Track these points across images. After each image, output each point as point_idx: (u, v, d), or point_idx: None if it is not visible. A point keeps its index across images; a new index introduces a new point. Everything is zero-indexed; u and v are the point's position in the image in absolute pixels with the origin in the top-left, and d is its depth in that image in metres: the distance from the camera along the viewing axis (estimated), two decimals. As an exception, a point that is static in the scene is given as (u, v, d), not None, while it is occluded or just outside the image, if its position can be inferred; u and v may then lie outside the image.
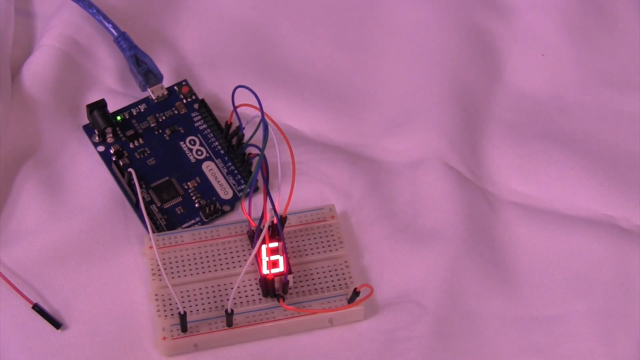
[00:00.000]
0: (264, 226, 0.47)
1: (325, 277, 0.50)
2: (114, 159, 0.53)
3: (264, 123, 0.48)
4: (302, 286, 0.49)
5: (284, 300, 0.48)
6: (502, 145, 0.57)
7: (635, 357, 0.49)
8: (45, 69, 0.55)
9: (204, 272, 0.50)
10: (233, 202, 0.53)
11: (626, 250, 0.53)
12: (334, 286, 0.50)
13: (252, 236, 0.50)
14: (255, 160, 0.50)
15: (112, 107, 0.55)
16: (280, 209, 0.48)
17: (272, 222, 0.48)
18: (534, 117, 0.58)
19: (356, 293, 0.48)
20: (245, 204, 0.50)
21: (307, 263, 0.50)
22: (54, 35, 0.57)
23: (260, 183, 0.52)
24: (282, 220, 0.49)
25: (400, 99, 0.58)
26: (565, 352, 0.49)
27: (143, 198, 0.51)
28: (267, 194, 0.47)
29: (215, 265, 0.50)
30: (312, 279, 0.50)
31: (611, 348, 0.49)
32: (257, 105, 0.49)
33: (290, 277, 0.48)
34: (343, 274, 0.50)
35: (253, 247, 0.49)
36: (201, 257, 0.50)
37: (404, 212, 0.53)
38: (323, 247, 0.51)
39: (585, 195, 0.55)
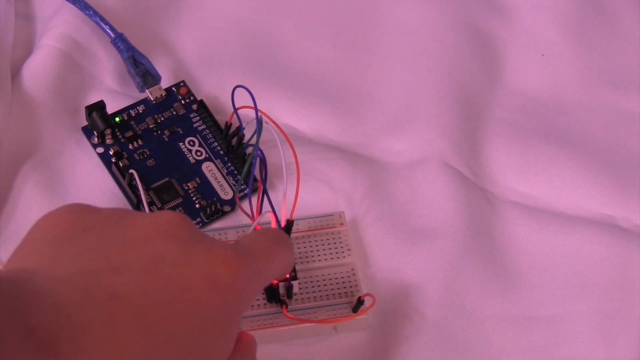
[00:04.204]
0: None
1: (331, 284, 0.49)
2: (113, 160, 0.53)
3: (257, 118, 0.48)
4: (307, 292, 0.49)
5: (287, 307, 0.48)
6: (502, 145, 0.57)
7: (635, 357, 0.49)
8: (45, 69, 0.55)
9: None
10: (233, 203, 0.53)
11: (626, 250, 0.53)
12: (339, 294, 0.49)
13: None
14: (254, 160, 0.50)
15: (112, 108, 0.55)
16: (285, 212, 0.48)
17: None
18: (534, 117, 0.58)
19: (360, 301, 0.48)
20: (244, 201, 0.49)
21: (314, 269, 0.50)
22: (54, 35, 0.56)
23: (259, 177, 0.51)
24: (290, 223, 0.49)
25: (401, 98, 0.58)
26: (565, 352, 0.49)
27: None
28: (265, 191, 0.47)
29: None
30: (318, 286, 0.49)
31: (611, 348, 0.49)
32: (258, 108, 0.49)
33: (295, 284, 0.48)
34: (350, 281, 0.50)
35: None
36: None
37: (404, 212, 0.53)
38: (331, 254, 0.50)
39: (585, 195, 0.55)
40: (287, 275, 0.48)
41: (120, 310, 0.33)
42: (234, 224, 0.52)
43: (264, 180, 0.48)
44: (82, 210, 0.37)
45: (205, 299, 0.35)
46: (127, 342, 0.32)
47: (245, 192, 0.53)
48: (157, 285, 0.34)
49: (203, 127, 0.55)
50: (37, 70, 0.55)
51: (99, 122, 0.53)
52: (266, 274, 0.40)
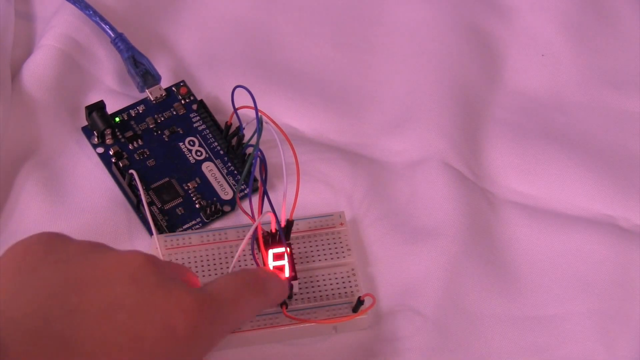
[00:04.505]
0: (262, 228, 0.47)
1: (331, 284, 0.49)
2: (113, 160, 0.53)
3: (257, 118, 0.48)
4: (307, 292, 0.49)
5: (287, 307, 0.48)
6: (502, 145, 0.57)
7: (635, 357, 0.49)
8: (45, 69, 0.55)
9: (209, 275, 0.49)
10: (233, 203, 0.53)
11: (626, 250, 0.53)
12: (339, 294, 0.49)
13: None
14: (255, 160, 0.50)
15: (112, 108, 0.55)
16: (285, 212, 0.48)
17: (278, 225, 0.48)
18: (534, 117, 0.58)
19: (360, 302, 0.48)
20: (244, 201, 0.49)
21: (314, 269, 0.50)
22: (54, 35, 0.56)
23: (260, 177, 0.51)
24: (290, 223, 0.49)
25: (401, 98, 0.58)
26: (565, 352, 0.50)
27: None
28: (265, 192, 0.47)
29: (221, 269, 0.49)
30: (319, 286, 0.49)
31: (611, 348, 0.50)
32: (258, 108, 0.49)
33: (295, 283, 0.48)
34: (349, 281, 0.50)
35: (252, 247, 0.48)
36: (207, 260, 0.50)
37: (404, 212, 0.53)
38: (331, 254, 0.50)
39: (585, 195, 0.55)
40: (288, 277, 0.48)
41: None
42: (234, 224, 0.52)
43: (264, 181, 0.48)
44: (53, 241, 0.37)
45: (160, 349, 0.35)
46: None
47: (246, 192, 0.53)
48: (110, 333, 0.34)
49: (203, 127, 0.55)
50: (37, 70, 0.55)
51: (99, 122, 0.53)
52: (231, 321, 0.39)
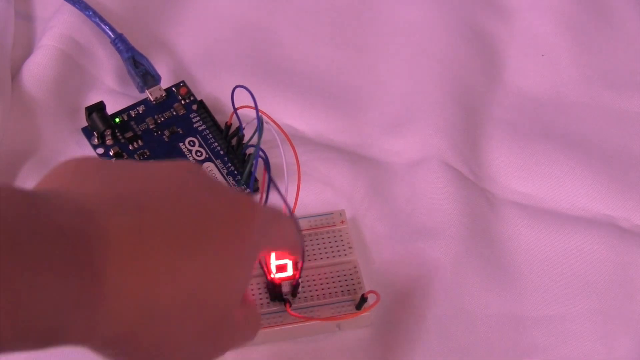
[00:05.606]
0: None
1: (334, 282, 0.50)
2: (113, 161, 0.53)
3: (257, 118, 0.48)
4: (310, 290, 0.49)
5: (291, 305, 0.48)
6: (502, 145, 0.57)
7: (635, 357, 0.49)
8: (45, 69, 0.55)
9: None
10: (233, 203, 0.53)
11: (626, 250, 0.53)
12: (342, 291, 0.49)
13: None
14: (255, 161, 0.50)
15: (113, 108, 0.55)
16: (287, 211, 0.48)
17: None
18: (534, 117, 0.58)
19: (364, 299, 0.48)
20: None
21: (316, 267, 0.50)
22: (54, 35, 0.56)
23: (261, 177, 0.51)
24: None
25: (401, 98, 0.58)
26: (565, 352, 0.49)
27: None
28: (274, 185, 0.46)
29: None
30: (321, 284, 0.49)
31: (611, 348, 0.50)
32: (258, 107, 0.49)
33: (299, 282, 0.48)
34: (352, 279, 0.50)
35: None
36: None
37: (404, 212, 0.53)
38: (332, 252, 0.50)
39: (585, 195, 0.55)
40: (292, 275, 0.47)
41: (147, 220, 0.33)
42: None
43: (268, 181, 0.48)
44: (96, 159, 0.37)
45: (229, 223, 0.36)
46: (156, 247, 0.33)
47: (245, 180, 0.53)
48: (183, 204, 0.35)
49: (203, 127, 0.55)
50: (37, 70, 0.55)
51: (99, 123, 0.53)
52: (274, 234, 0.40)
